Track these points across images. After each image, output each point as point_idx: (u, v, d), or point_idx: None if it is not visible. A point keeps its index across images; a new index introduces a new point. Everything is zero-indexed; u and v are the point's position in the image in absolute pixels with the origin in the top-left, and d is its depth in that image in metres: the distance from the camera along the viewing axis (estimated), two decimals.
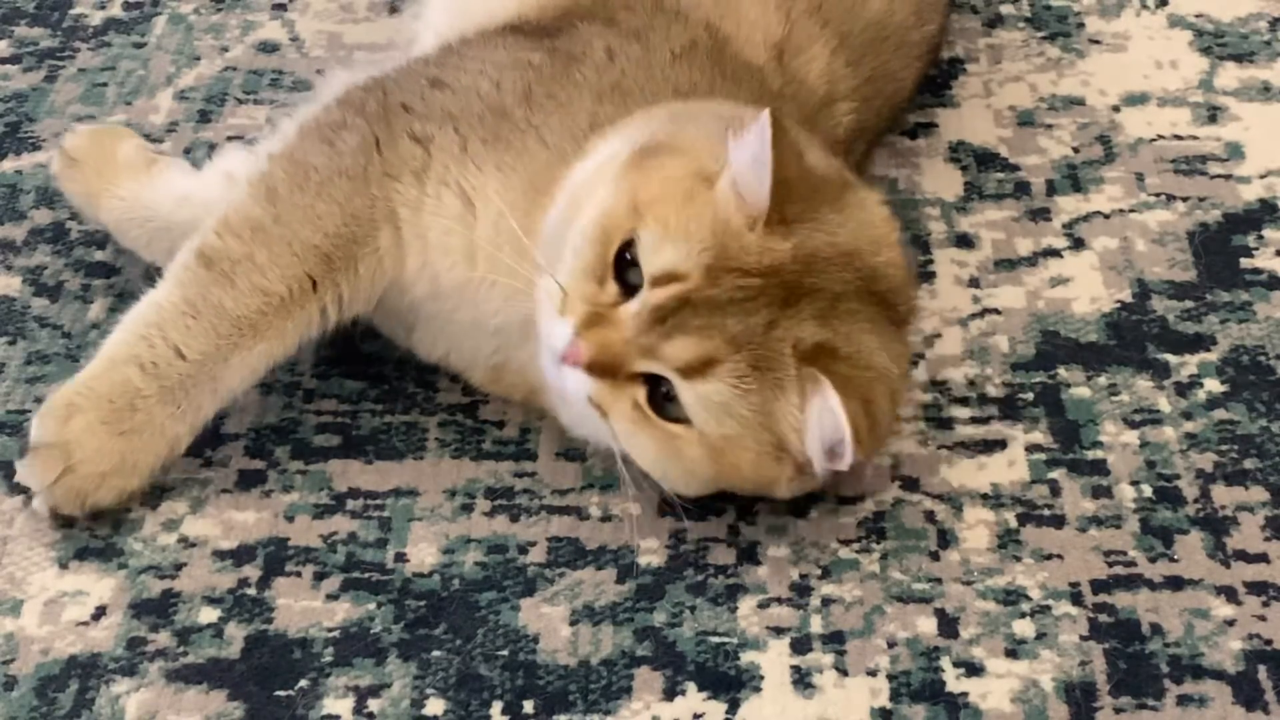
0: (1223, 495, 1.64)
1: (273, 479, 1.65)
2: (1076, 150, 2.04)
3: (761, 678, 1.48)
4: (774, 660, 1.50)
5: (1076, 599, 1.54)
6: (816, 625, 1.53)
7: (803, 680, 1.48)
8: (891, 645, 1.51)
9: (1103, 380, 1.75)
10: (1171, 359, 1.78)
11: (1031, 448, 1.68)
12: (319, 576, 1.56)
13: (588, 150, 1.59)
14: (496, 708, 1.46)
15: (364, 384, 1.75)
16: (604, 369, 1.48)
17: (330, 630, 1.52)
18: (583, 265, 1.49)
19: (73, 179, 1.82)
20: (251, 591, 1.55)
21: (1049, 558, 1.58)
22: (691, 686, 1.48)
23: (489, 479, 1.65)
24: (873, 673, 1.49)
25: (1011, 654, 1.50)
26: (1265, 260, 1.89)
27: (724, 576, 1.57)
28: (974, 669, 1.49)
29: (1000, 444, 1.69)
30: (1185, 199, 1.97)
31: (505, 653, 1.50)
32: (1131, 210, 1.95)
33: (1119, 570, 1.57)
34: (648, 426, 1.49)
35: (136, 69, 2.14)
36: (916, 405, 1.72)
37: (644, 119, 1.60)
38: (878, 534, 1.60)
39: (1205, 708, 1.46)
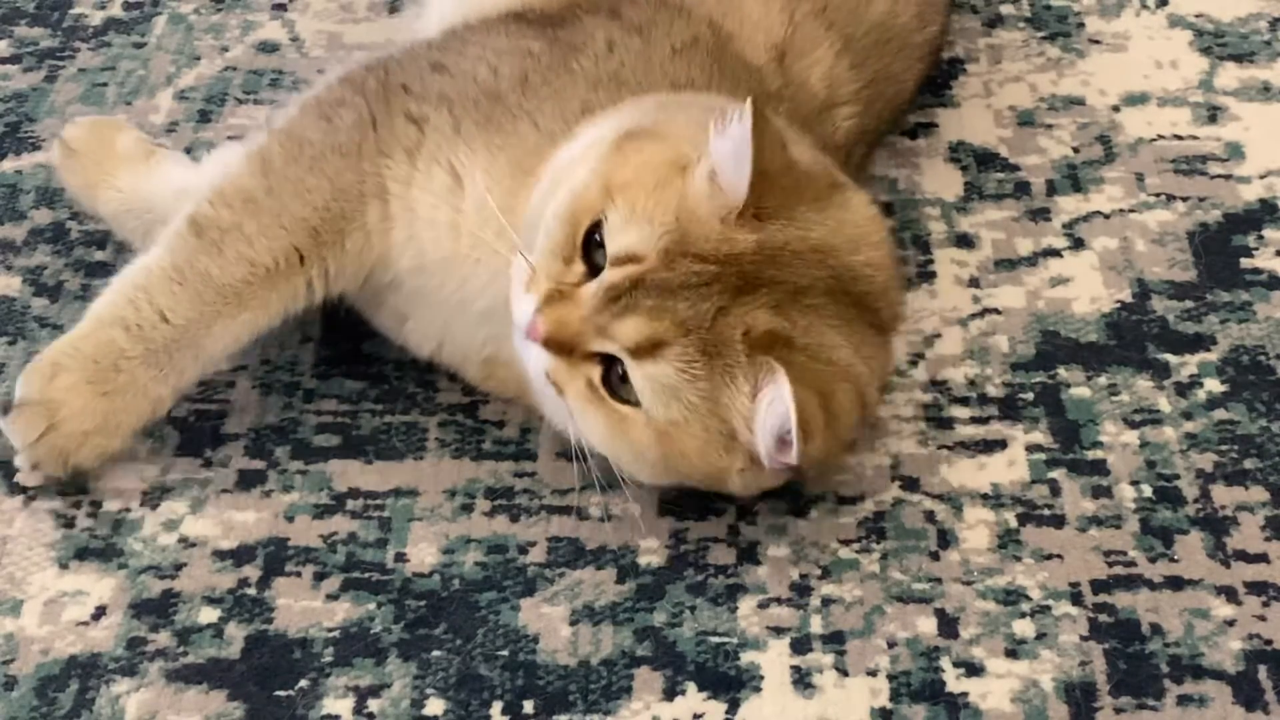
0: (1223, 495, 1.64)
1: (273, 479, 1.65)
2: (1076, 150, 2.04)
3: (761, 678, 1.48)
4: (774, 660, 1.50)
5: (1076, 599, 1.54)
6: (816, 625, 1.53)
7: (803, 680, 1.48)
8: (891, 645, 1.51)
9: (1103, 380, 1.75)
10: (1171, 359, 1.78)
11: (1031, 448, 1.68)
12: (319, 576, 1.56)
13: (575, 134, 1.60)
14: (496, 708, 1.46)
15: (364, 384, 1.75)
16: (560, 346, 1.49)
17: (330, 630, 1.52)
18: (552, 244, 1.50)
19: (71, 170, 1.83)
20: (251, 591, 1.55)
21: (1049, 558, 1.58)
22: (691, 686, 1.48)
23: (489, 479, 1.65)
24: (873, 673, 1.49)
25: (1011, 654, 1.50)
26: (1265, 260, 1.89)
27: (724, 576, 1.57)
28: (974, 669, 1.49)
29: (1000, 444, 1.69)
30: (1185, 199, 1.97)
31: (505, 653, 1.50)
32: (1131, 210, 1.95)
33: (1119, 570, 1.57)
34: (600, 406, 1.49)
35: (136, 69, 2.14)
36: (916, 405, 1.72)
37: (633, 106, 1.61)
38: (878, 534, 1.60)
39: (1205, 708, 1.46)
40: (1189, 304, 1.84)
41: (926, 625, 1.52)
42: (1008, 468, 1.67)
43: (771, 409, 1.45)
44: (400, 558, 1.58)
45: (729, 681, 1.48)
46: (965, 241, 1.92)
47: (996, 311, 1.83)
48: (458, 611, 1.53)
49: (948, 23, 2.09)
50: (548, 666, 1.49)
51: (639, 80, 1.66)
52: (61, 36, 2.19)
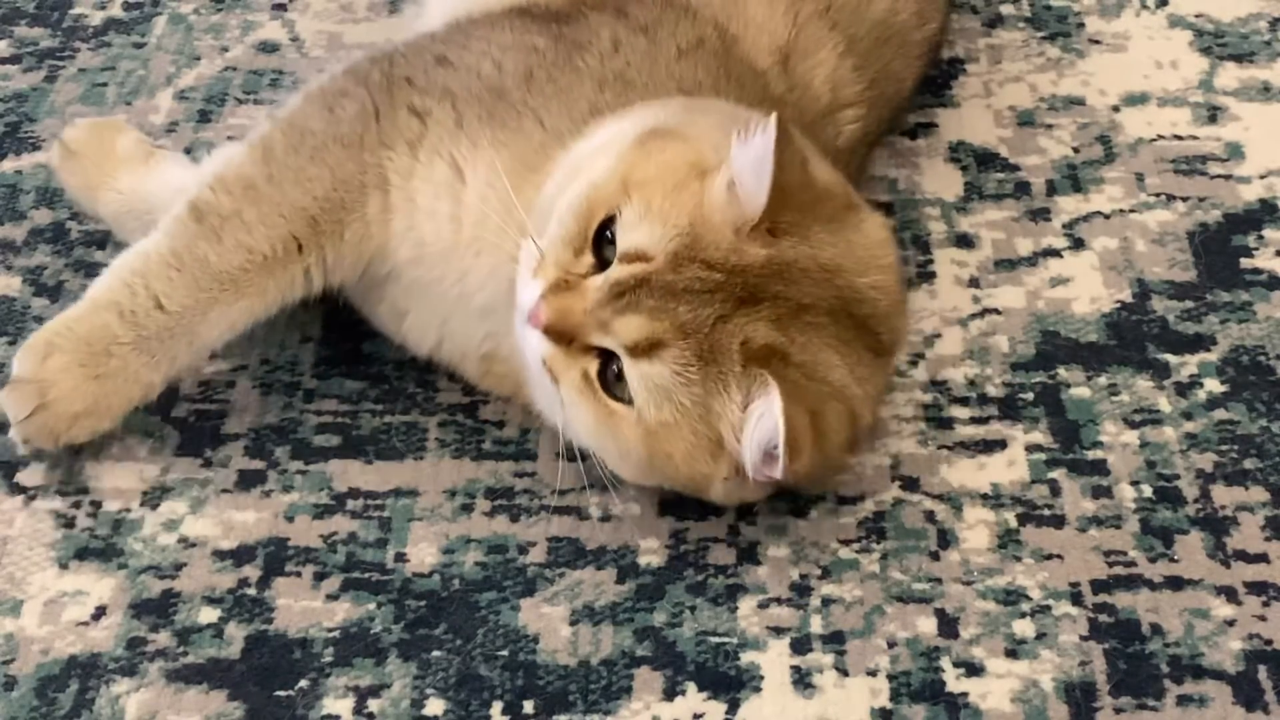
0: (1223, 495, 1.64)
1: (273, 479, 1.65)
2: (1076, 150, 2.04)
3: (761, 678, 1.48)
4: (774, 660, 1.50)
5: (1076, 599, 1.54)
6: (816, 625, 1.53)
7: (803, 680, 1.48)
8: (891, 645, 1.51)
9: (1103, 380, 1.75)
10: (1171, 359, 1.78)
11: (1031, 448, 1.68)
12: (319, 576, 1.56)
13: (588, 133, 1.60)
14: (496, 708, 1.46)
15: (364, 384, 1.75)
16: (560, 335, 1.49)
17: (330, 630, 1.52)
18: (564, 233, 1.51)
19: (71, 171, 1.83)
20: (251, 591, 1.55)
21: (1049, 558, 1.58)
22: (691, 686, 1.48)
23: (489, 479, 1.65)
24: (873, 673, 1.49)
25: (1011, 654, 1.50)
26: (1265, 260, 1.89)
27: (724, 576, 1.57)
28: (974, 669, 1.49)
29: (1000, 444, 1.69)
30: (1185, 199, 1.97)
31: (505, 653, 1.50)
32: (1131, 210, 1.95)
33: (1119, 570, 1.57)
34: (592, 399, 1.50)
35: (136, 69, 2.14)
36: (916, 405, 1.72)
37: (658, 105, 1.61)
38: (878, 534, 1.60)
39: (1205, 708, 1.46)
40: (1189, 304, 1.84)
41: (926, 625, 1.52)
42: (1008, 468, 1.67)
43: (761, 422, 1.45)
44: (400, 558, 1.58)
45: (729, 681, 1.48)
46: (965, 241, 1.92)
47: (996, 311, 1.83)
48: (458, 611, 1.53)
49: (947, 21, 2.09)
50: (548, 666, 1.49)
51: (645, 81, 1.66)
52: (61, 36, 2.19)
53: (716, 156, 1.50)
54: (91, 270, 1.85)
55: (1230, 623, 1.53)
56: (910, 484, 1.65)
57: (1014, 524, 1.61)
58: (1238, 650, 1.50)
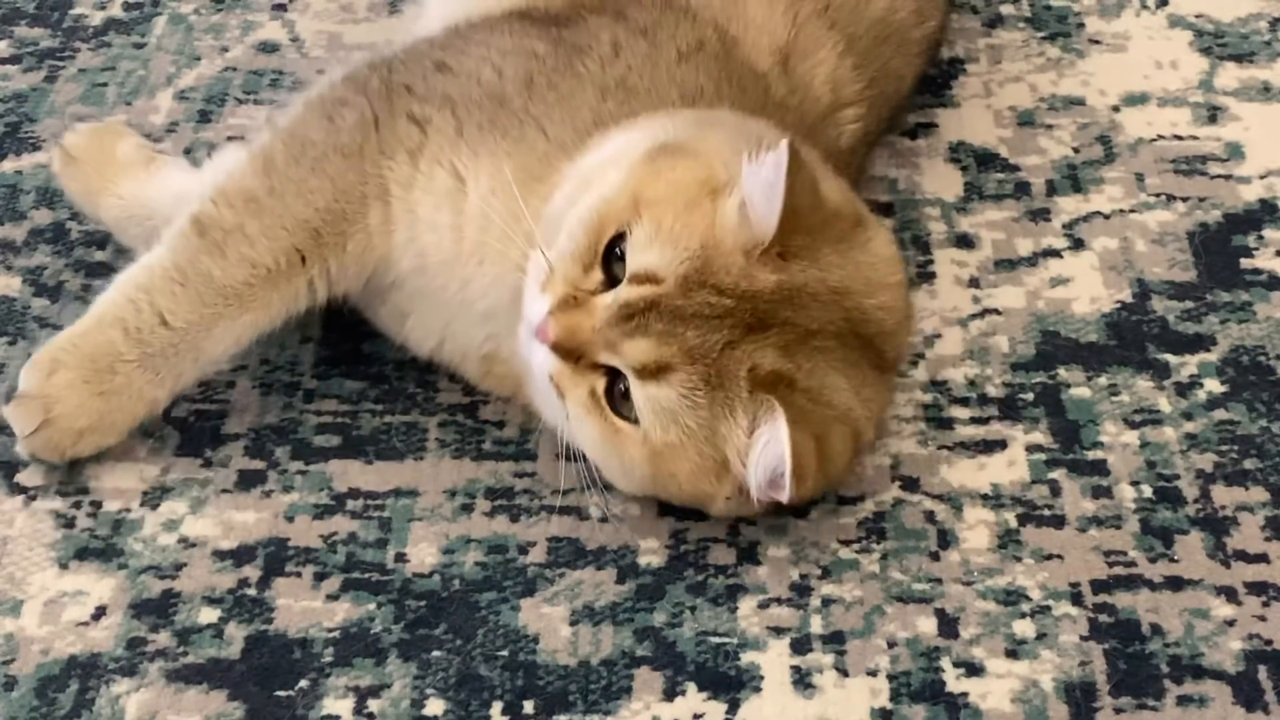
0: (1223, 495, 1.64)
1: (273, 479, 1.65)
2: (1076, 150, 2.04)
3: (761, 678, 1.48)
4: (774, 660, 1.50)
5: (1076, 599, 1.54)
6: (816, 625, 1.53)
7: (803, 680, 1.48)
8: (891, 645, 1.51)
9: (1103, 380, 1.75)
10: (1171, 359, 1.78)
11: (1031, 448, 1.68)
12: (319, 577, 1.56)
13: (591, 146, 1.60)
14: (496, 708, 1.46)
15: (364, 384, 1.75)
16: (568, 352, 1.49)
17: (330, 630, 1.52)
18: (574, 248, 1.50)
19: (72, 177, 1.83)
20: (251, 591, 1.55)
21: (1049, 558, 1.58)
22: (691, 686, 1.48)
23: (489, 479, 1.65)
24: (873, 673, 1.49)
25: (1011, 654, 1.50)
26: (1265, 260, 1.89)
27: (724, 576, 1.57)
28: (974, 669, 1.49)
29: (1000, 444, 1.69)
30: (1185, 199, 1.97)
31: (505, 653, 1.50)
32: (1131, 210, 1.95)
33: (1119, 570, 1.57)
34: (598, 417, 1.50)
35: (136, 69, 2.14)
36: (916, 405, 1.72)
37: (667, 117, 1.60)
38: (878, 534, 1.60)
39: (1205, 708, 1.46)
40: (1189, 304, 1.84)
41: (926, 625, 1.52)
42: (1008, 468, 1.67)
43: (767, 449, 1.46)
44: (400, 558, 1.58)
45: (729, 681, 1.48)
46: (965, 241, 1.92)
47: (996, 312, 1.83)
48: (458, 611, 1.53)
49: (946, 19, 2.09)
50: (548, 666, 1.49)
51: (648, 87, 1.66)
52: (61, 36, 2.19)
53: (727, 173, 1.49)
54: (91, 270, 1.85)
55: (1230, 623, 1.52)
56: (910, 484, 1.65)
57: (1014, 524, 1.61)
58: (1238, 650, 1.50)
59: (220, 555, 1.58)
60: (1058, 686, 1.48)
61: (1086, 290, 1.85)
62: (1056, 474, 1.66)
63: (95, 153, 1.83)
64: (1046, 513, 1.62)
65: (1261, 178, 2.00)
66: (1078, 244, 1.91)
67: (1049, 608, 1.54)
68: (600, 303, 1.49)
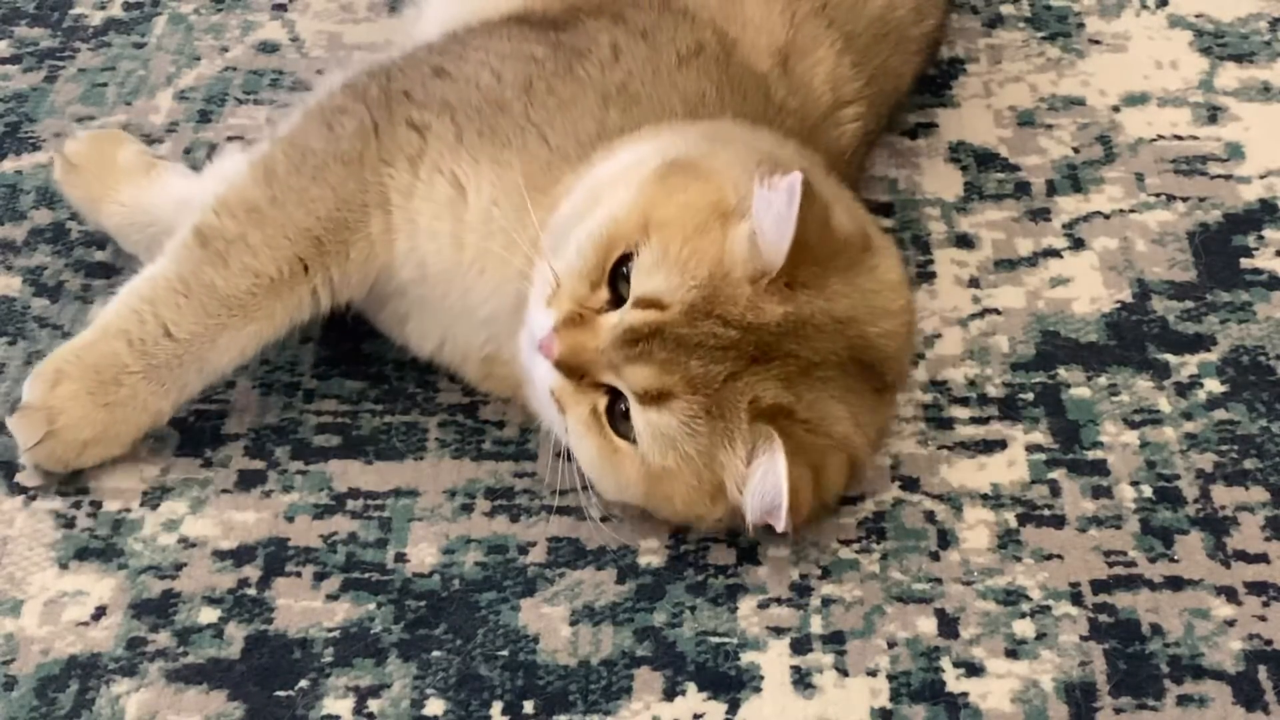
0: (1223, 495, 1.64)
1: (273, 479, 1.65)
2: (1076, 150, 2.04)
3: (761, 678, 1.48)
4: (774, 660, 1.50)
5: (1076, 599, 1.54)
6: (816, 625, 1.53)
7: (803, 680, 1.48)
8: (891, 645, 1.51)
9: (1103, 380, 1.75)
10: (1171, 359, 1.78)
11: (1031, 448, 1.68)
12: (319, 577, 1.56)
13: (598, 156, 1.59)
14: (496, 708, 1.46)
15: (364, 384, 1.75)
16: (571, 370, 1.49)
17: (330, 630, 1.52)
18: (581, 264, 1.50)
19: (74, 184, 1.83)
20: (251, 591, 1.55)
21: (1049, 558, 1.58)
22: (691, 686, 1.48)
23: (489, 479, 1.65)
24: (873, 673, 1.49)
25: (1011, 654, 1.50)
26: (1265, 260, 1.89)
27: (724, 576, 1.57)
28: (974, 669, 1.49)
29: (1000, 444, 1.69)
30: (1185, 199, 1.97)
31: (505, 653, 1.50)
32: (1131, 210, 1.95)
33: (1119, 570, 1.57)
34: (598, 434, 1.50)
35: (136, 69, 2.14)
36: (916, 405, 1.72)
37: (679, 132, 1.59)
38: (878, 534, 1.60)
39: (1205, 708, 1.46)
40: (1189, 304, 1.84)
41: (926, 625, 1.52)
42: (1008, 468, 1.67)
43: (765, 480, 1.47)
44: (400, 558, 1.58)
45: (729, 681, 1.48)
46: (965, 241, 1.92)
47: (996, 311, 1.83)
48: (458, 611, 1.53)
49: (946, 18, 2.09)
50: (548, 666, 1.49)
51: (650, 93, 1.65)
52: (61, 36, 2.19)
53: (737, 195, 1.48)
54: (91, 270, 1.85)
55: (1230, 623, 1.53)
56: (910, 484, 1.65)
57: (1014, 524, 1.61)
58: (1238, 650, 1.50)
59: (220, 555, 1.58)
60: (1058, 686, 1.48)
61: (1086, 290, 1.85)
62: (1056, 474, 1.66)
63: (96, 160, 1.82)
64: (1046, 513, 1.62)
65: (1261, 178, 2.00)
66: (1078, 244, 1.91)
67: (1049, 608, 1.54)
68: (605, 323, 1.48)
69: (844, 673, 1.49)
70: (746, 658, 1.50)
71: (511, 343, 1.61)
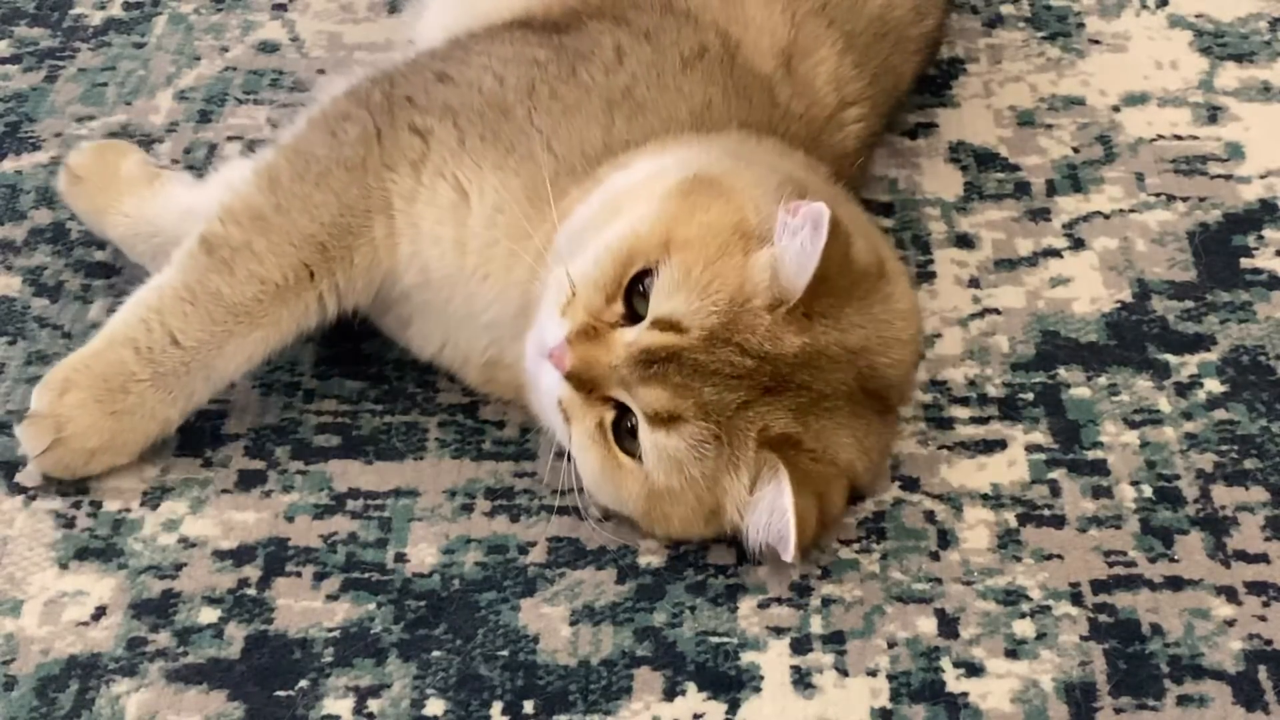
0: (1223, 495, 1.64)
1: (273, 479, 1.65)
2: (1076, 150, 2.04)
3: (761, 678, 1.48)
4: (774, 660, 1.50)
5: (1076, 599, 1.54)
6: (816, 625, 1.53)
7: (803, 680, 1.48)
8: (891, 645, 1.51)
9: (1103, 380, 1.75)
10: (1171, 359, 1.78)
11: (1031, 448, 1.68)
12: (319, 577, 1.56)
13: (610, 165, 1.59)
14: (496, 708, 1.46)
15: (364, 384, 1.75)
16: (581, 383, 1.49)
17: (330, 630, 1.52)
18: (598, 276, 1.49)
19: (79, 196, 1.83)
20: (251, 591, 1.55)
21: (1049, 558, 1.58)
22: (691, 686, 1.48)
23: (489, 479, 1.65)
24: (873, 673, 1.49)
25: (1011, 654, 1.50)
26: (1265, 260, 1.89)
27: (724, 576, 1.57)
28: (974, 669, 1.49)
29: (1000, 444, 1.69)
30: (1185, 199, 1.97)
31: (505, 653, 1.50)
32: (1131, 210, 1.95)
33: (1119, 570, 1.57)
34: (603, 448, 1.51)
35: (136, 69, 2.14)
36: (916, 405, 1.72)
37: (700, 147, 1.59)
38: (878, 534, 1.60)
39: (1205, 708, 1.46)
40: (1189, 304, 1.84)
41: (926, 625, 1.52)
42: (1008, 468, 1.67)
43: (771, 511, 1.47)
44: (400, 558, 1.58)
45: (729, 681, 1.48)
46: (965, 241, 1.92)
47: (996, 311, 1.83)
48: (458, 611, 1.53)
49: (946, 18, 2.09)
50: (548, 666, 1.49)
51: (655, 98, 1.65)
52: (61, 36, 2.19)
53: (758, 216, 1.48)
54: (91, 270, 1.85)
55: (1230, 623, 1.52)
56: (910, 484, 1.65)
57: (1014, 524, 1.61)
58: (1238, 650, 1.50)
59: (220, 555, 1.58)
60: (1058, 686, 1.48)
61: (1086, 290, 1.85)
62: (1056, 474, 1.66)
63: (99, 171, 1.82)
64: (1046, 513, 1.62)
65: (1261, 178, 2.00)
66: (1078, 244, 1.91)
67: (1049, 608, 1.54)
68: (619, 339, 1.48)
69: (844, 673, 1.49)
70: (746, 658, 1.50)
71: (514, 347, 1.61)
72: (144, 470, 1.65)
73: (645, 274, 1.48)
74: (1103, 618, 1.53)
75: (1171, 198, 1.97)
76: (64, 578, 1.56)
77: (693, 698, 1.47)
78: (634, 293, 1.49)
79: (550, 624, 1.52)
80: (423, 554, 1.58)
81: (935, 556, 1.58)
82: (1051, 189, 1.98)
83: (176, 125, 2.05)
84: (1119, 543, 1.59)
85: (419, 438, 1.69)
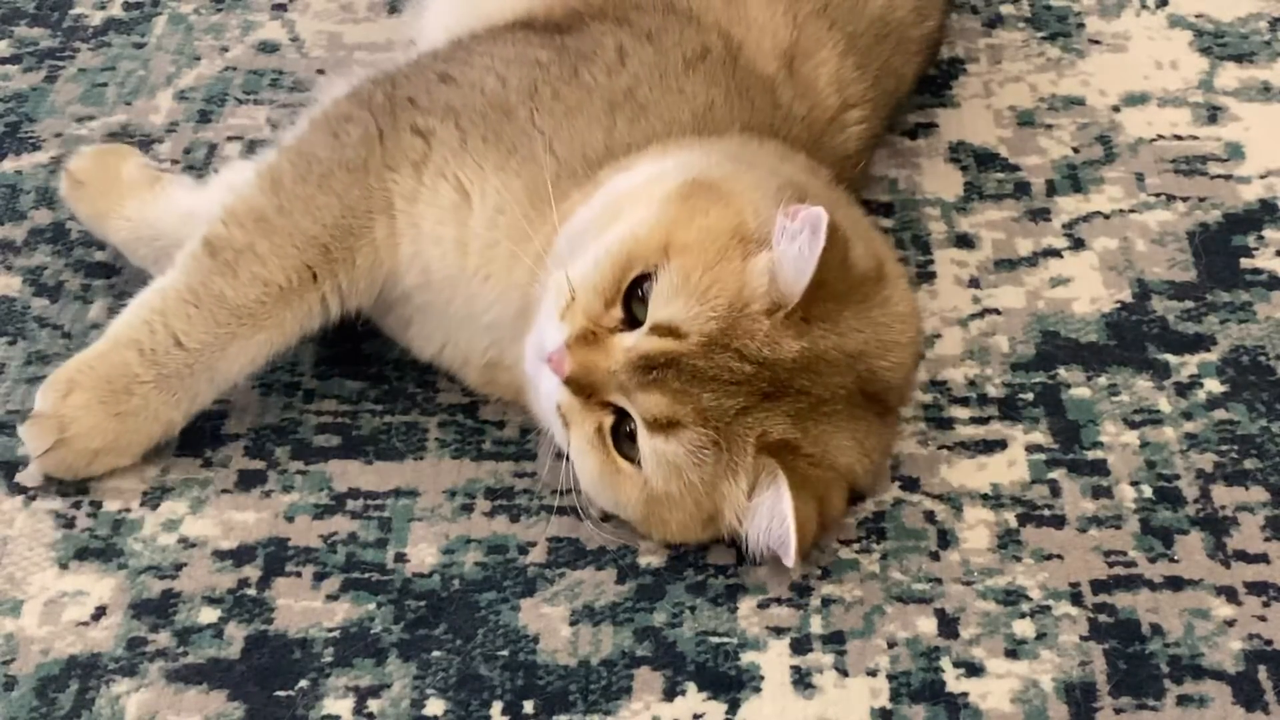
0: (1223, 495, 1.64)
1: (273, 479, 1.65)
2: (1076, 150, 2.04)
3: (761, 678, 1.48)
4: (774, 660, 1.50)
5: (1076, 599, 1.54)
6: (816, 625, 1.53)
7: (803, 680, 1.48)
8: (891, 645, 1.51)
9: (1103, 380, 1.75)
10: (1171, 359, 1.78)
11: (1031, 448, 1.68)
12: (319, 577, 1.56)
13: (604, 170, 1.59)
14: (496, 708, 1.46)
15: (364, 384, 1.75)
16: (580, 388, 1.49)
17: (330, 630, 1.52)
18: (597, 281, 1.49)
19: (80, 200, 1.83)
20: (251, 591, 1.55)
21: (1049, 558, 1.58)
22: (691, 686, 1.48)
23: (489, 479, 1.65)
24: (873, 673, 1.49)
25: (1011, 654, 1.50)
26: (1265, 260, 1.89)
27: (724, 576, 1.57)
28: (974, 669, 1.49)
29: (1000, 444, 1.69)
30: (1185, 199, 1.97)
31: (505, 653, 1.50)
32: (1131, 210, 1.95)
33: (1119, 570, 1.57)
34: (601, 453, 1.50)
35: (136, 69, 2.14)
36: (916, 405, 1.72)
37: (700, 150, 1.59)
38: (878, 534, 1.60)
39: (1205, 708, 1.46)
40: (1189, 304, 1.84)
41: (926, 625, 1.52)
42: (1008, 468, 1.67)
43: (770, 517, 1.47)
44: (400, 558, 1.58)
45: (729, 681, 1.48)
46: (965, 241, 1.92)
47: (996, 311, 1.83)
48: (458, 611, 1.53)
49: (946, 19, 2.09)
50: (548, 666, 1.49)
51: (657, 100, 1.64)
52: (61, 36, 2.19)
53: (757, 221, 1.48)
54: (91, 270, 1.85)
55: (1230, 623, 1.52)
56: (910, 484, 1.65)
57: (1014, 524, 1.61)
58: (1238, 650, 1.50)
59: (220, 555, 1.58)
60: (1058, 686, 1.48)
61: (1086, 290, 1.85)
62: (1056, 474, 1.66)
63: (100, 175, 1.82)
64: (1046, 513, 1.62)
65: (1261, 178, 2.00)
66: (1078, 244, 1.91)
67: (1049, 608, 1.54)
68: (618, 344, 1.48)
69: (844, 673, 1.49)
70: (746, 658, 1.50)
71: (514, 348, 1.61)
72: (144, 470, 1.65)
73: (644, 278, 1.48)
74: (1103, 618, 1.53)
75: (1171, 198, 1.97)
76: (64, 578, 1.56)
77: (693, 698, 1.47)
78: (633, 297, 1.49)
79: (550, 624, 1.52)
80: (423, 554, 1.58)
81: (935, 556, 1.58)
82: (1051, 189, 1.98)
83: (176, 125, 2.05)
84: (1119, 543, 1.59)
85: (419, 438, 1.69)
